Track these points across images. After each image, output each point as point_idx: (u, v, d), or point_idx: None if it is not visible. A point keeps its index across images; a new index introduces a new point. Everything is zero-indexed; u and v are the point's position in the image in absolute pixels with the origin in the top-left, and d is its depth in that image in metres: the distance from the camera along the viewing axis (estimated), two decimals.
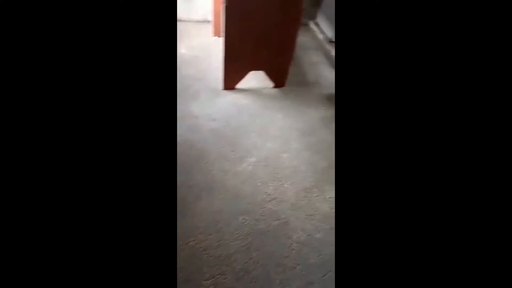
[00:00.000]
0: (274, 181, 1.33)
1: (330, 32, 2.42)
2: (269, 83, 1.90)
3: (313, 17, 2.69)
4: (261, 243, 1.10)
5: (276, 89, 1.88)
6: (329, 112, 1.78)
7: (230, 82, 1.79)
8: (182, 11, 2.48)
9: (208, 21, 2.49)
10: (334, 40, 2.37)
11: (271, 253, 1.07)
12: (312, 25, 2.68)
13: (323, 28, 2.55)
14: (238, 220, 1.16)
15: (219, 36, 2.24)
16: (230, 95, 1.81)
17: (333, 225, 1.20)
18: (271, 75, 1.83)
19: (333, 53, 2.29)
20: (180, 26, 2.41)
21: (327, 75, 2.11)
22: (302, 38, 2.53)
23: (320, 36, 2.52)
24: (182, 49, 2.17)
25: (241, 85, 1.86)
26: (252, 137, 1.54)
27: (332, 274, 1.04)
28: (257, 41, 1.61)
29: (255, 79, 1.92)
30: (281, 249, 1.09)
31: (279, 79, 1.85)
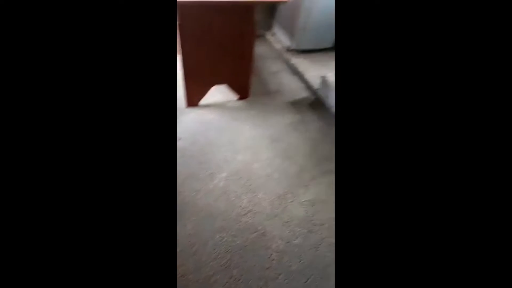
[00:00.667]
0: (248, 193, 1.33)
1: (286, 41, 2.51)
2: (233, 96, 1.91)
3: (269, 27, 2.79)
4: (240, 258, 1.07)
5: (240, 101, 1.90)
6: (295, 117, 1.83)
7: (192, 99, 1.77)
8: None
9: None
10: (291, 48, 2.47)
11: (252, 267, 1.05)
12: (268, 36, 2.77)
13: (279, 38, 2.65)
14: (214, 239, 1.12)
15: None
16: (194, 112, 1.79)
17: (310, 228, 1.22)
18: (234, 87, 1.84)
19: (292, 61, 2.38)
20: None
21: (288, 83, 2.18)
22: (260, 49, 2.60)
23: (278, 46, 2.61)
24: None
25: (204, 100, 1.85)
26: (222, 152, 1.53)
27: (314, 277, 1.04)
28: (215, 56, 1.62)
29: (218, 93, 1.93)
30: (261, 261, 1.07)
31: (242, 91, 1.88)
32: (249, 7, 1.53)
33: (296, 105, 1.95)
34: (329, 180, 1.44)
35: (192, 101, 1.78)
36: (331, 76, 1.95)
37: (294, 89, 2.12)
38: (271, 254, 1.10)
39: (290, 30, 2.41)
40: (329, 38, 2.54)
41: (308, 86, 2.15)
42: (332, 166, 1.53)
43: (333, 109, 1.90)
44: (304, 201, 1.33)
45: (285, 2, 1.49)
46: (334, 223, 1.25)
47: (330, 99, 1.94)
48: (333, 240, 1.19)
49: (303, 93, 2.09)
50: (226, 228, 1.17)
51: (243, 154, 1.52)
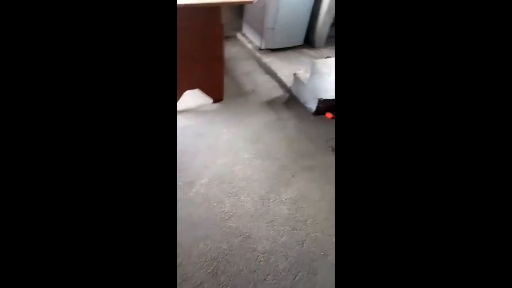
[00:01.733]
0: (230, 197, 1.32)
1: (257, 41, 2.52)
2: (207, 100, 1.89)
3: (239, 28, 2.78)
4: (227, 264, 1.06)
5: (215, 104, 1.88)
6: (271, 116, 1.84)
7: None
8: None
9: None
10: (262, 48, 2.48)
11: (239, 272, 1.04)
12: (239, 36, 2.77)
13: (250, 38, 2.65)
14: (199, 248, 1.10)
15: None
16: None
17: (294, 225, 1.23)
18: (207, 91, 1.82)
19: (264, 60, 2.39)
20: None
21: (262, 82, 2.19)
22: (232, 50, 2.59)
23: (249, 46, 2.61)
24: None
25: (179, 106, 1.81)
26: (201, 157, 1.50)
27: (302, 274, 1.06)
28: (184, 60, 1.59)
29: (192, 98, 1.89)
30: (248, 264, 1.07)
31: (216, 94, 1.86)
32: (214, 9, 1.51)
33: (271, 104, 1.97)
34: (308, 176, 1.47)
35: None
36: (302, 73, 1.99)
37: (268, 88, 2.13)
38: (258, 256, 1.10)
39: (260, 30, 2.42)
40: (298, 35, 2.58)
41: (281, 84, 2.17)
42: (310, 162, 1.56)
43: (307, 105, 1.94)
44: (286, 199, 1.34)
45: (251, 2, 1.49)
46: (316, 218, 1.28)
47: (303, 96, 1.98)
48: (317, 234, 1.21)
49: (278, 92, 2.11)
50: (210, 235, 1.15)
51: (223, 157, 1.51)
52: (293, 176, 1.46)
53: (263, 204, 1.30)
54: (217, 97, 1.88)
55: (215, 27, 1.58)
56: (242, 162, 1.50)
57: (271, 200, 1.33)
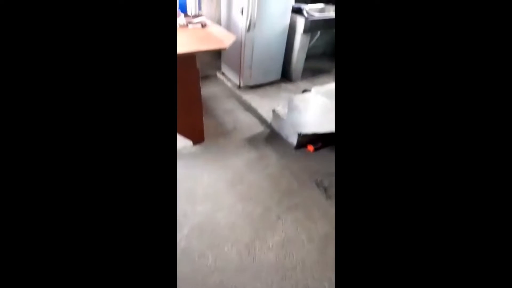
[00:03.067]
0: (213, 249, 1.24)
1: (236, 79, 2.59)
2: (187, 142, 1.86)
3: (218, 68, 2.87)
4: None
5: (195, 146, 1.85)
6: (253, 155, 1.83)
7: None
8: None
9: None
10: (241, 85, 2.55)
11: None
12: (219, 75, 2.84)
13: (229, 76, 2.73)
14: None
15: None
16: None
17: (283, 274, 1.16)
18: (186, 134, 1.80)
19: (243, 97, 2.44)
20: None
21: (243, 119, 2.21)
22: (213, 89, 2.64)
23: (229, 84, 2.68)
24: None
25: None
26: (180, 206, 1.43)
27: None
28: None
29: None
30: None
31: (196, 137, 1.84)
32: (190, 56, 1.55)
33: (252, 141, 1.96)
34: (294, 217, 1.42)
35: None
36: (281, 109, 2.02)
37: (249, 125, 2.14)
38: None
39: (238, 69, 2.50)
40: (275, 71, 2.68)
41: (262, 120, 2.19)
42: (294, 200, 1.52)
43: (288, 140, 1.95)
44: (273, 245, 1.28)
45: (224, 49, 1.54)
46: (306, 263, 1.21)
47: (284, 131, 2.00)
48: (308, 282, 1.14)
49: (258, 128, 2.12)
50: None
51: (203, 204, 1.45)
52: (278, 218, 1.41)
53: (248, 254, 1.23)
54: (197, 139, 1.86)
55: (191, 73, 1.60)
56: (224, 207, 1.44)
57: (256, 248, 1.26)
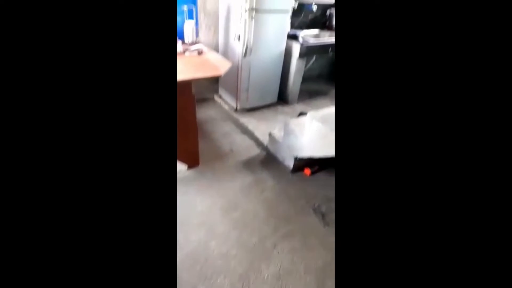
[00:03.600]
0: (205, 281, 1.18)
1: (233, 102, 2.62)
2: (182, 166, 1.85)
3: (216, 91, 2.92)
4: None
5: (190, 170, 1.83)
6: (248, 179, 1.80)
7: None
8: None
9: None
10: (238, 108, 2.57)
11: None
12: (216, 98, 2.88)
13: (226, 99, 2.76)
14: None
15: None
16: None
17: None
18: (181, 158, 1.79)
19: (240, 120, 2.45)
20: None
21: (240, 142, 2.20)
22: (210, 112, 2.66)
23: (226, 107, 2.71)
24: None
25: None
26: None
27: None
28: None
29: None
30: None
31: (191, 161, 1.83)
32: (186, 84, 1.57)
33: (248, 164, 1.95)
34: (291, 245, 1.37)
35: None
36: (277, 132, 2.03)
37: (246, 148, 2.13)
38: None
39: (235, 92, 2.54)
40: (272, 94, 2.72)
41: (258, 143, 2.19)
42: (291, 227, 1.47)
43: (285, 163, 1.93)
44: (268, 276, 1.22)
45: (220, 76, 1.57)
46: None
47: (280, 154, 1.99)
48: None
49: (255, 151, 2.11)
50: None
51: (197, 232, 1.40)
52: (274, 247, 1.36)
53: (242, 286, 1.17)
54: (192, 164, 1.84)
55: (187, 99, 1.62)
56: (217, 236, 1.39)
57: (251, 281, 1.20)
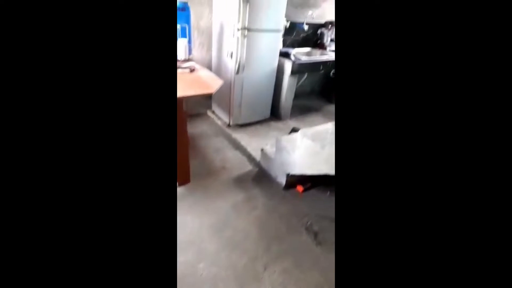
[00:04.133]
0: None
1: (225, 118, 2.63)
2: None
3: (209, 106, 2.93)
4: None
5: (180, 188, 1.80)
6: (239, 197, 1.77)
7: None
8: None
9: None
10: (231, 124, 2.58)
11: None
12: (209, 113, 2.89)
13: (219, 115, 2.77)
14: None
15: None
16: None
17: None
18: None
19: (233, 136, 2.45)
20: None
21: (232, 158, 2.19)
22: (203, 127, 2.66)
23: (219, 122, 2.71)
24: None
25: None
26: None
27: None
28: None
29: None
30: None
31: (181, 178, 1.80)
32: (178, 102, 1.57)
33: (240, 181, 1.92)
34: (283, 266, 1.33)
35: None
36: (269, 148, 2.02)
37: (238, 164, 2.12)
38: None
39: (227, 108, 2.55)
40: (264, 110, 2.74)
41: (250, 159, 2.18)
42: (283, 246, 1.44)
43: (277, 179, 1.91)
44: None
45: (211, 94, 1.57)
46: None
47: (273, 170, 1.97)
48: None
49: (247, 167, 2.09)
50: None
51: (185, 253, 1.35)
52: (265, 269, 1.31)
53: None
54: (183, 181, 1.81)
55: (178, 116, 1.62)
56: (206, 257, 1.35)
57: None
